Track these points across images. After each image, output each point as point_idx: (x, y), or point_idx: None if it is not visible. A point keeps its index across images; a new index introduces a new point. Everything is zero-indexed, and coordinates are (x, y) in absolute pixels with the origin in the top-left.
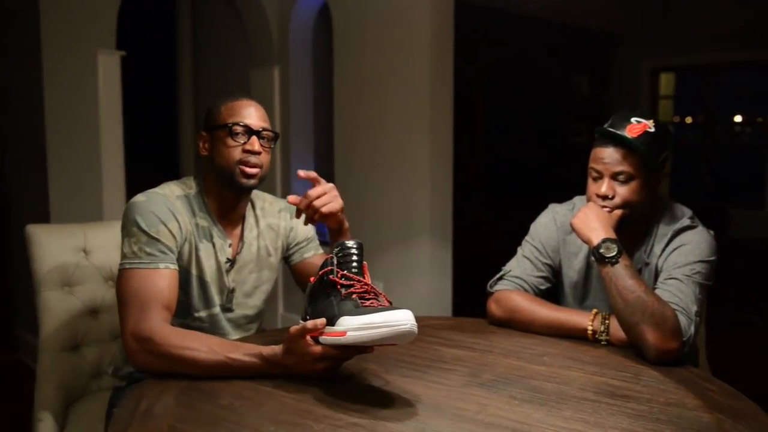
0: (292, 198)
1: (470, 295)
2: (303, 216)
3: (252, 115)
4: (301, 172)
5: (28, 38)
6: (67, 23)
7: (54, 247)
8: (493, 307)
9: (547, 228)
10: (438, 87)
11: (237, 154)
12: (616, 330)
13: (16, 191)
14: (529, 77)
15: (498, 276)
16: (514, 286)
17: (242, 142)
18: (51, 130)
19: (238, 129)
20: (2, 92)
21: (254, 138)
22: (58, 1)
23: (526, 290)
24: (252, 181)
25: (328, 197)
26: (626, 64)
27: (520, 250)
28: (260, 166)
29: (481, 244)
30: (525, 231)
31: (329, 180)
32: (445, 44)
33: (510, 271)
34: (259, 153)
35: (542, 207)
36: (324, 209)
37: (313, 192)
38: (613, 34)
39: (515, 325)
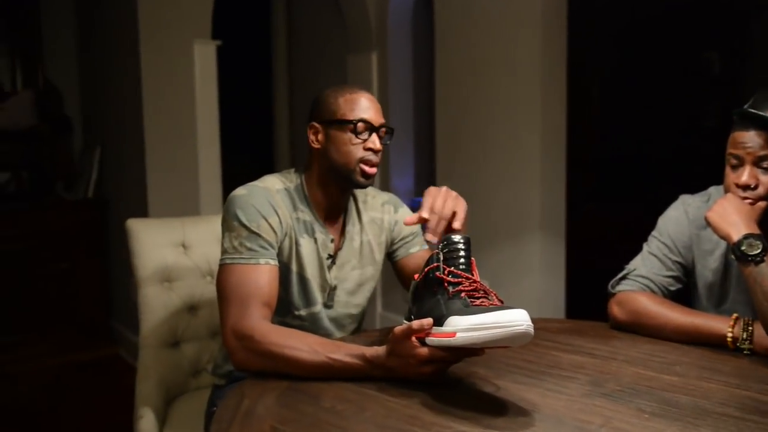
0: (409, 219)
1: (585, 296)
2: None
3: (371, 109)
4: (409, 219)
5: (125, 30)
6: (164, 13)
7: (153, 241)
8: (615, 309)
9: (677, 222)
10: (550, 71)
11: (359, 152)
12: (762, 337)
13: (114, 186)
14: (650, 54)
15: (621, 275)
16: (639, 286)
17: (364, 139)
18: (149, 122)
19: (362, 126)
20: (97, 85)
21: (375, 135)
22: None
23: (653, 291)
24: (370, 181)
25: (452, 202)
26: (766, 36)
27: (645, 246)
28: (377, 165)
29: (596, 240)
30: (649, 226)
31: (431, 173)
32: (558, 24)
33: (634, 269)
34: (379, 151)
35: (668, 199)
36: (459, 213)
37: (437, 206)
38: (749, 2)
39: (641, 329)
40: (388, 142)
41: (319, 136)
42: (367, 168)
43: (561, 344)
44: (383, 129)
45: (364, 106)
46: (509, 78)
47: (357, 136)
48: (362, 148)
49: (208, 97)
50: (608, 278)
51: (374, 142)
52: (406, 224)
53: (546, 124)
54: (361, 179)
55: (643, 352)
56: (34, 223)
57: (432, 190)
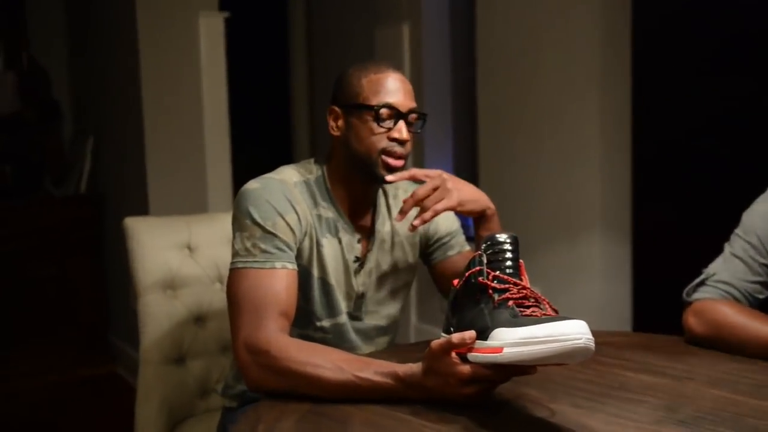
0: (391, 177)
1: (655, 305)
2: (408, 219)
3: (399, 92)
4: (390, 177)
5: (120, 2)
6: None
7: (155, 243)
8: (692, 321)
9: (766, 218)
10: (611, 41)
11: (381, 141)
12: None
13: (110, 180)
14: (722, 22)
15: (698, 281)
16: (720, 293)
17: (388, 127)
18: (148, 107)
19: (386, 113)
20: (89, 66)
21: (401, 123)
22: None
23: (736, 299)
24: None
25: (439, 193)
26: None
27: (727, 246)
28: (404, 157)
29: (669, 239)
30: (731, 223)
31: (472, 163)
32: None
33: (714, 274)
34: (406, 141)
35: (755, 192)
36: (437, 207)
37: (421, 191)
38: None
39: (723, 344)
40: (419, 131)
41: (339, 122)
42: (391, 160)
43: (627, 362)
44: (413, 115)
45: (391, 89)
46: (564, 52)
47: (380, 124)
48: (386, 138)
49: (216, 77)
50: (683, 284)
51: (400, 130)
52: (389, 181)
53: (606, 105)
54: (384, 173)
55: (726, 371)
56: (19, 222)
57: (435, 173)
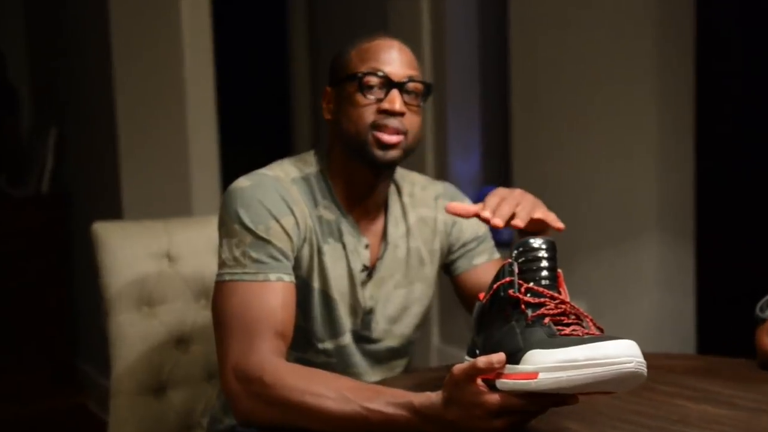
0: (457, 206)
1: (723, 323)
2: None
3: (393, 59)
4: (456, 206)
5: None
6: None
7: (129, 251)
8: (765, 341)
9: None
10: (669, 13)
11: (370, 114)
12: None
13: (77, 178)
14: None
15: None
16: None
17: (378, 98)
18: (121, 93)
19: (373, 80)
20: (51, 45)
21: (395, 92)
22: None
23: None
24: (391, 154)
25: (528, 203)
26: None
27: None
28: (403, 132)
29: (740, 245)
30: None
31: (503, 156)
32: None
33: None
34: (401, 114)
35: None
36: (535, 213)
37: (506, 206)
38: None
39: None
40: (419, 104)
41: (331, 104)
42: (384, 135)
43: (688, 390)
44: (413, 84)
45: (382, 56)
46: (611, 25)
47: (365, 94)
48: (375, 110)
49: (201, 58)
50: (755, 298)
51: (392, 101)
52: (449, 211)
53: (666, 88)
54: (377, 151)
55: None
56: None
57: (501, 190)
